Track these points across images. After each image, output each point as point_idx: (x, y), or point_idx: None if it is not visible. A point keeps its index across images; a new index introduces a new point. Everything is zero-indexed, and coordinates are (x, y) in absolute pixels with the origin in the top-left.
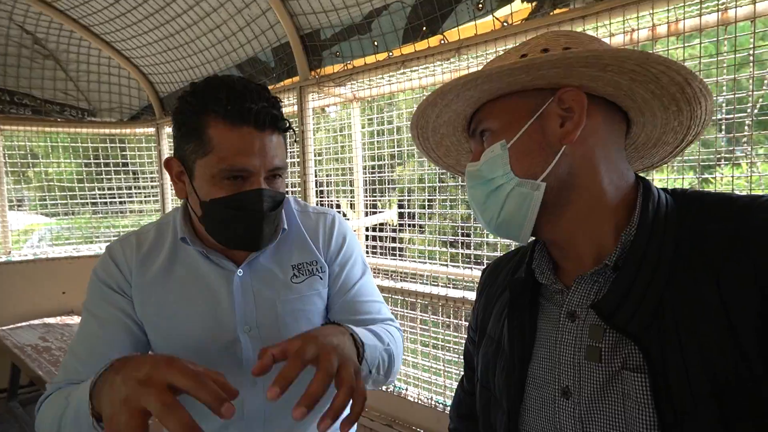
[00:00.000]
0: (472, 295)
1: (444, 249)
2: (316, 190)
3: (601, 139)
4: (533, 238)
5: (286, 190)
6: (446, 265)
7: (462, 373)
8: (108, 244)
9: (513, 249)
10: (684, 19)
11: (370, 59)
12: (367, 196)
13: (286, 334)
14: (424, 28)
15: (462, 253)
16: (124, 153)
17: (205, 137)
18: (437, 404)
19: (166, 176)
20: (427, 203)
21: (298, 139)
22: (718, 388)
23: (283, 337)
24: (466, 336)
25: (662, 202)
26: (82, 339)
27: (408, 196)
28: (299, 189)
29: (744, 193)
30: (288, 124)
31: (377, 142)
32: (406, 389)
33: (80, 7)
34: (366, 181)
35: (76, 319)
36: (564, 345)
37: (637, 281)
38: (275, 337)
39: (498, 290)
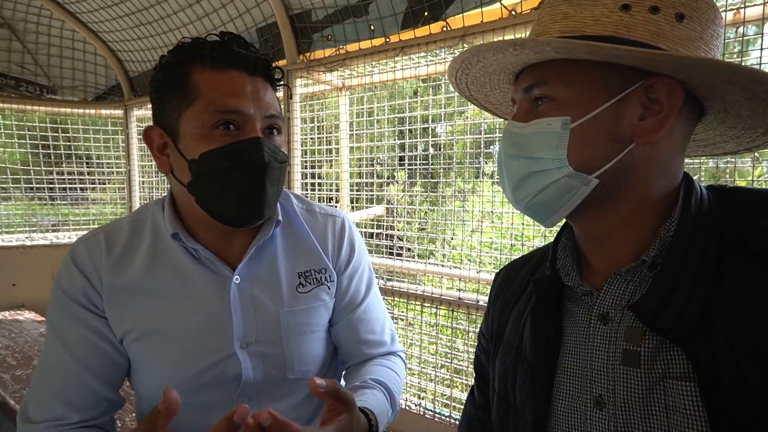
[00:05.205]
0: (466, 296)
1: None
2: (302, 182)
3: (672, 142)
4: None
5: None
6: (443, 265)
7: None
8: (72, 244)
9: (528, 252)
10: None
11: (365, 44)
12: (353, 191)
13: (289, 350)
14: (426, 13)
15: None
16: (76, 136)
17: (189, 86)
18: (426, 410)
19: (134, 163)
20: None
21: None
22: None
23: (285, 353)
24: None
25: (704, 198)
26: (52, 366)
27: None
28: None
29: None
30: (282, 75)
31: (366, 134)
32: None
33: None
34: (351, 174)
35: (27, 315)
36: (596, 350)
37: (680, 280)
38: (277, 354)
39: (515, 295)
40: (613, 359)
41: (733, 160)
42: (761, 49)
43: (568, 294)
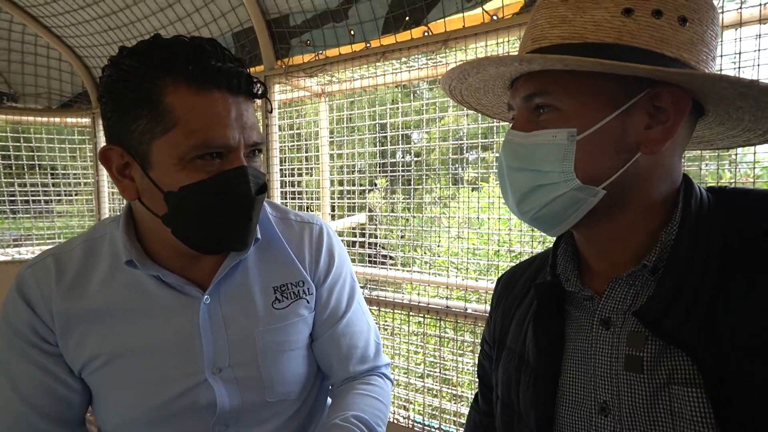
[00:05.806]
0: (453, 304)
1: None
2: (281, 191)
3: (675, 147)
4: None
5: None
6: (428, 273)
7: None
8: (17, 272)
9: (528, 258)
10: None
11: (345, 50)
12: (334, 199)
13: (267, 372)
14: (407, 18)
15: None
16: (39, 146)
17: (162, 108)
18: (415, 423)
19: (103, 174)
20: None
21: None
22: None
23: (263, 375)
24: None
25: (704, 200)
26: None
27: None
28: None
29: None
30: (264, 89)
31: (346, 141)
32: None
33: None
34: (333, 182)
35: None
36: (599, 355)
37: (684, 284)
38: (254, 377)
39: (516, 300)
40: (616, 364)
41: (713, 162)
42: (739, 53)
43: (569, 299)
